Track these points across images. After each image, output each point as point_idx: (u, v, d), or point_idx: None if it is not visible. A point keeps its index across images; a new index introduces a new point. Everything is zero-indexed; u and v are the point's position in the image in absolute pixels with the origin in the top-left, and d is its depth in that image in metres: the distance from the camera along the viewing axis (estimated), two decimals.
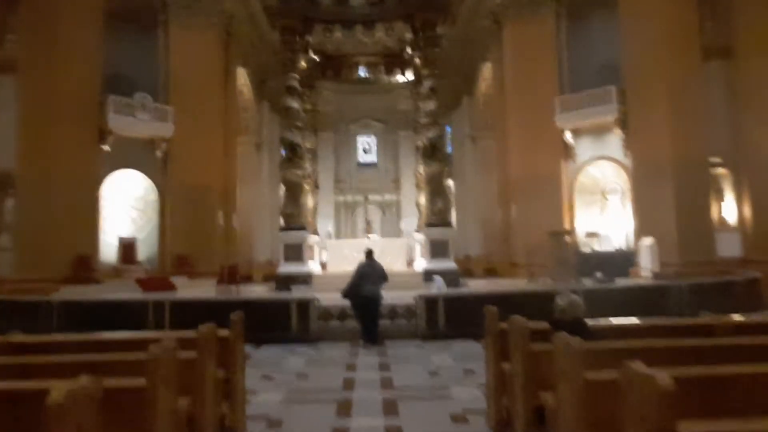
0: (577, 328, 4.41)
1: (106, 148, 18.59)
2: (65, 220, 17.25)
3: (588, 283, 13.08)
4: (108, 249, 19.13)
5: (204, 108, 20.56)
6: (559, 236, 13.11)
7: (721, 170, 18.32)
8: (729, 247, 17.85)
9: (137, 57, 19.67)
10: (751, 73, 17.80)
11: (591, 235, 14.81)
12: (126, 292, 17.11)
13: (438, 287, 11.60)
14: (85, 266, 17.77)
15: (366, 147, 31.56)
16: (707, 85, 17.94)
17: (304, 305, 10.53)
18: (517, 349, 4.46)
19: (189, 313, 10.87)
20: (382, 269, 10.32)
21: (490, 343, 5.47)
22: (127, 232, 19.68)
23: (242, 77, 24.84)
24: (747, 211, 17.97)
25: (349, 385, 7.05)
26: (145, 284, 17.81)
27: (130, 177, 19.80)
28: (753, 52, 17.76)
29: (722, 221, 18.28)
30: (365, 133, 31.75)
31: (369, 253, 10.63)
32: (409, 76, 22.45)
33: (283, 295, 12.07)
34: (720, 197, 18.29)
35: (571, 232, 13.99)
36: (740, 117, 17.97)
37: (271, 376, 7.65)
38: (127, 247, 19.28)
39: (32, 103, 17.03)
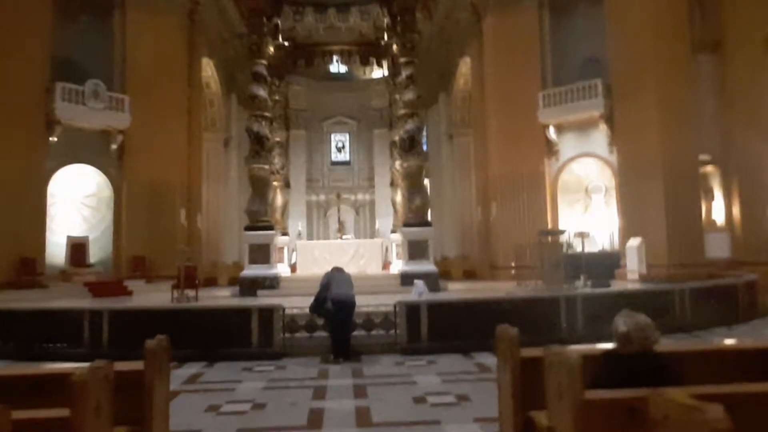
0: (651, 366, 2.94)
1: (53, 139, 16.64)
2: (6, 218, 15.39)
3: (580, 287, 11.75)
4: (56, 250, 17.17)
5: (165, 99, 18.77)
6: (551, 236, 11.74)
7: (709, 168, 17.27)
8: (717, 248, 16.80)
9: (90, 41, 17.78)
10: (739, 69, 16.82)
11: (580, 234, 13.51)
12: (74, 297, 15.26)
13: (419, 293, 10.10)
14: (29, 269, 15.88)
15: (339, 145, 30.01)
16: (696, 80, 16.89)
17: (266, 314, 8.91)
18: (567, 398, 2.92)
19: (132, 325, 9.16)
20: (351, 280, 8.77)
21: (508, 381, 3.93)
22: (77, 232, 17.72)
23: (209, 69, 23.05)
24: (736, 211, 16.94)
25: (316, 420, 5.48)
26: (95, 289, 15.98)
27: (82, 172, 17.86)
28: (741, 48, 16.77)
29: (711, 221, 17.21)
30: (339, 131, 30.28)
31: (339, 268, 9.07)
32: (386, 68, 20.97)
33: (243, 303, 10.41)
34: (709, 197, 17.22)
35: (564, 231, 12.72)
36: (729, 113, 16.95)
37: (218, 407, 6.02)
38: (78, 248, 17.35)
39: None
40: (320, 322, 8.92)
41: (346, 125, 30.21)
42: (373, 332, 9.24)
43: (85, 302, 11.43)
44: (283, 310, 9.15)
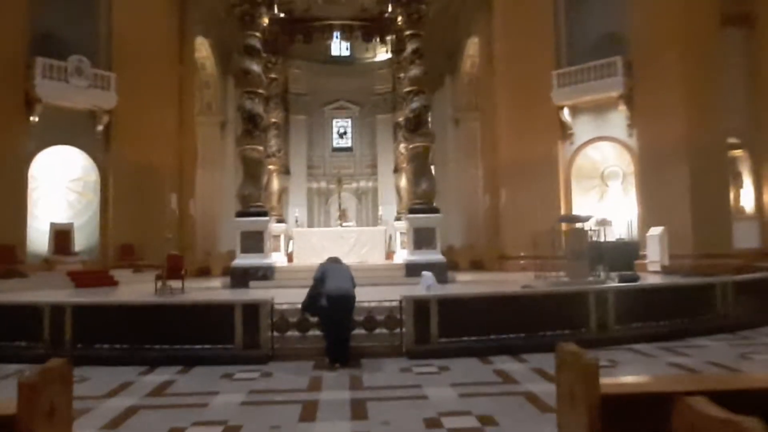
0: None
1: (33, 119, 15.28)
2: None
3: (603, 279, 10.38)
4: (39, 237, 15.87)
5: (154, 77, 17.41)
6: (575, 223, 10.38)
7: (738, 152, 15.84)
8: (746, 237, 15.42)
9: (73, 13, 16.30)
10: None
11: (602, 222, 12.16)
12: (56, 287, 14.02)
13: (428, 286, 8.78)
14: (8, 258, 14.58)
15: (341, 131, 28.58)
16: (724, 56, 15.42)
17: (251, 311, 7.59)
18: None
19: (98, 322, 7.89)
20: (350, 272, 7.42)
21: (581, 426, 2.55)
22: (62, 218, 16.40)
23: (204, 49, 21.66)
24: (767, 198, 15.53)
25: None
26: (79, 279, 14.74)
27: (67, 155, 16.50)
28: None
29: (739, 209, 15.82)
30: (341, 116, 28.80)
31: (335, 259, 7.72)
32: (390, 46, 19.49)
33: (224, 298, 9.09)
34: (737, 182, 15.81)
35: (589, 218, 11.38)
36: (761, 93, 15.49)
37: (182, 430, 4.70)
38: (62, 235, 16.05)
39: None
40: (315, 320, 7.60)
41: (348, 110, 28.74)
42: (376, 331, 7.92)
43: (49, 295, 10.11)
44: (272, 305, 7.84)
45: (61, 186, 16.55)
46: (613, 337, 8.21)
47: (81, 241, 16.49)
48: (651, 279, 11.95)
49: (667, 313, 8.77)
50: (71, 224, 16.40)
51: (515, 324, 7.95)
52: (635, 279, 10.28)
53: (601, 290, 8.47)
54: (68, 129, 16.11)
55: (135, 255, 16.70)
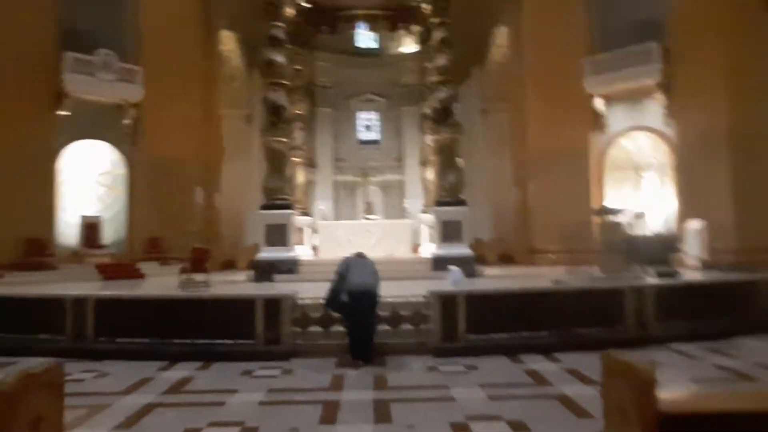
0: None
1: (63, 113, 15.37)
2: (14, 196, 14.27)
3: (640, 275, 9.86)
4: (69, 230, 16.01)
5: (180, 71, 17.39)
6: (609, 216, 9.88)
7: None
8: None
9: (100, 8, 16.34)
10: None
11: (637, 215, 11.62)
12: (84, 280, 14.09)
13: (455, 281, 8.44)
14: (38, 250, 14.73)
15: (367, 124, 28.24)
16: None
17: (273, 305, 7.37)
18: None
19: (119, 316, 7.77)
20: (374, 267, 7.12)
21: None
22: (91, 211, 16.51)
23: (230, 42, 21.54)
24: None
25: None
26: (106, 271, 14.80)
27: (95, 148, 16.59)
28: None
29: None
30: (366, 109, 28.41)
31: (359, 253, 7.43)
32: (416, 36, 19.08)
33: (245, 292, 8.90)
34: None
35: (624, 210, 10.86)
36: None
37: (197, 431, 4.49)
38: (91, 228, 16.16)
39: None
40: (338, 315, 7.34)
41: (374, 103, 28.33)
42: (401, 328, 7.62)
43: (77, 288, 10.08)
44: (294, 300, 7.60)
45: (90, 179, 16.66)
46: (652, 335, 7.75)
47: (109, 234, 16.60)
48: (690, 275, 11.36)
49: (709, 311, 8.25)
50: (99, 217, 16.51)
51: (547, 321, 7.56)
52: (674, 274, 9.74)
53: (639, 286, 8.00)
54: (96, 123, 16.18)
55: (162, 248, 16.72)
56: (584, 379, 5.88)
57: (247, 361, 6.89)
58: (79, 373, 6.52)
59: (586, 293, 8.01)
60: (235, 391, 5.68)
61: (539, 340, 7.39)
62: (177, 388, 5.87)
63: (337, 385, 5.90)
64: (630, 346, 7.43)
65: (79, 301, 7.76)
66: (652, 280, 8.92)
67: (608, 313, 7.81)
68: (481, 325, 7.39)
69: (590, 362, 6.62)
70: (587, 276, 9.66)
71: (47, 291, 9.11)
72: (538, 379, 5.98)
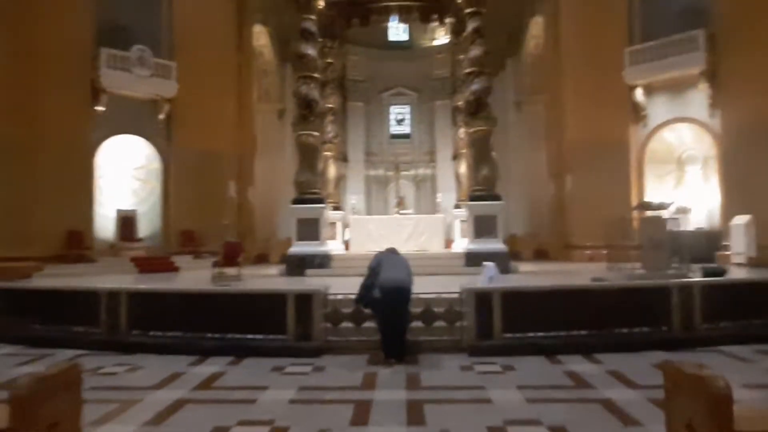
0: None
1: (100, 108, 15.60)
2: (53, 190, 14.53)
3: (686, 271, 9.37)
4: (105, 223, 16.28)
5: (214, 66, 17.47)
6: (653, 211, 9.45)
7: None
8: None
9: (135, 5, 16.50)
10: None
11: (681, 210, 11.10)
12: (120, 272, 14.31)
13: (490, 277, 8.18)
14: (77, 243, 15.02)
15: (399, 117, 28.01)
16: None
17: (304, 300, 7.25)
18: None
19: (152, 309, 7.78)
20: (407, 263, 6.92)
21: None
22: (127, 205, 16.76)
23: (263, 37, 21.58)
24: None
25: None
26: (141, 264, 14.99)
27: (131, 143, 16.81)
28: None
29: None
30: (398, 103, 28.19)
31: (392, 249, 7.23)
32: (449, 27, 18.71)
33: (277, 288, 8.80)
34: None
35: (669, 204, 10.37)
36: None
37: (226, 430, 4.38)
38: (126, 222, 16.40)
39: (13, 58, 14.16)
40: (369, 311, 7.16)
41: (406, 97, 28.09)
42: (435, 324, 7.40)
43: (113, 281, 10.20)
44: (325, 295, 7.47)
45: (126, 174, 16.90)
46: (700, 337, 7.35)
47: (145, 227, 16.82)
48: (738, 272, 10.81)
49: (761, 312, 7.78)
50: (135, 211, 16.74)
51: (587, 320, 7.24)
52: (722, 272, 9.25)
53: (686, 284, 7.59)
54: (132, 118, 16.38)
55: (196, 241, 16.88)
56: (628, 383, 5.57)
57: (278, 357, 6.80)
58: (112, 366, 6.54)
59: (629, 291, 7.65)
60: (265, 388, 5.57)
61: (579, 340, 7.09)
62: (207, 384, 5.79)
63: (369, 383, 5.73)
64: (675, 347, 7.07)
65: (113, 295, 7.80)
66: (698, 278, 8.47)
67: (652, 313, 7.44)
68: (517, 323, 7.13)
69: (634, 364, 6.31)
70: (628, 273, 9.26)
71: (83, 284, 9.22)
72: (579, 381, 5.69)
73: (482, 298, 7.20)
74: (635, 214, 10.42)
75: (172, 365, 6.51)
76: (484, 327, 7.10)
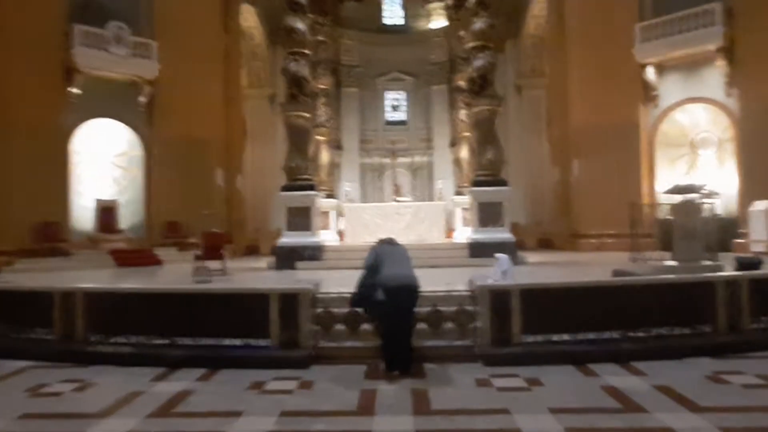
0: None
1: (75, 90, 14.29)
2: (25, 179, 13.33)
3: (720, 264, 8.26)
4: (84, 214, 15.04)
5: (199, 46, 16.18)
6: (686, 195, 8.31)
7: None
8: None
9: None
10: None
11: (709, 194, 9.99)
12: (96, 267, 13.10)
13: (503, 271, 7.02)
14: (52, 235, 13.78)
15: (395, 103, 26.73)
16: None
17: (290, 301, 6.08)
18: None
19: (113, 311, 6.59)
20: (409, 256, 5.76)
21: None
22: (107, 194, 15.51)
23: (251, 18, 20.26)
24: None
25: None
26: (120, 257, 13.77)
27: (110, 127, 15.52)
28: None
29: None
30: (394, 89, 26.89)
31: (389, 240, 6.05)
32: (446, 6, 17.44)
33: (258, 287, 7.64)
34: None
35: (703, 187, 9.27)
36: None
37: None
38: (106, 212, 15.18)
39: None
40: (364, 312, 6.01)
41: (402, 82, 26.80)
42: (442, 328, 6.26)
43: (89, 276, 8.99)
44: (315, 294, 6.30)
45: (106, 161, 15.64)
46: (748, 340, 6.24)
47: (126, 218, 15.60)
48: None
49: None
50: (116, 201, 15.51)
51: (617, 320, 6.12)
52: (757, 264, 8.13)
53: (733, 278, 6.46)
54: (110, 101, 15.10)
55: (181, 232, 15.67)
56: (685, 402, 4.43)
57: (258, 368, 5.63)
58: (58, 384, 5.34)
59: (670, 287, 6.51)
60: (239, 415, 4.39)
61: (612, 345, 5.95)
62: (168, 408, 4.61)
63: (367, 405, 4.57)
64: (723, 353, 5.96)
65: (67, 296, 6.60)
66: (740, 272, 7.34)
67: (693, 312, 6.32)
68: (539, 325, 6.00)
69: (683, 376, 5.16)
70: (656, 265, 8.14)
71: (40, 282, 8.02)
72: (625, 402, 4.53)
73: (499, 297, 6.05)
74: (649, 200, 9.32)
75: (132, 381, 5.34)
76: (501, 330, 5.97)
